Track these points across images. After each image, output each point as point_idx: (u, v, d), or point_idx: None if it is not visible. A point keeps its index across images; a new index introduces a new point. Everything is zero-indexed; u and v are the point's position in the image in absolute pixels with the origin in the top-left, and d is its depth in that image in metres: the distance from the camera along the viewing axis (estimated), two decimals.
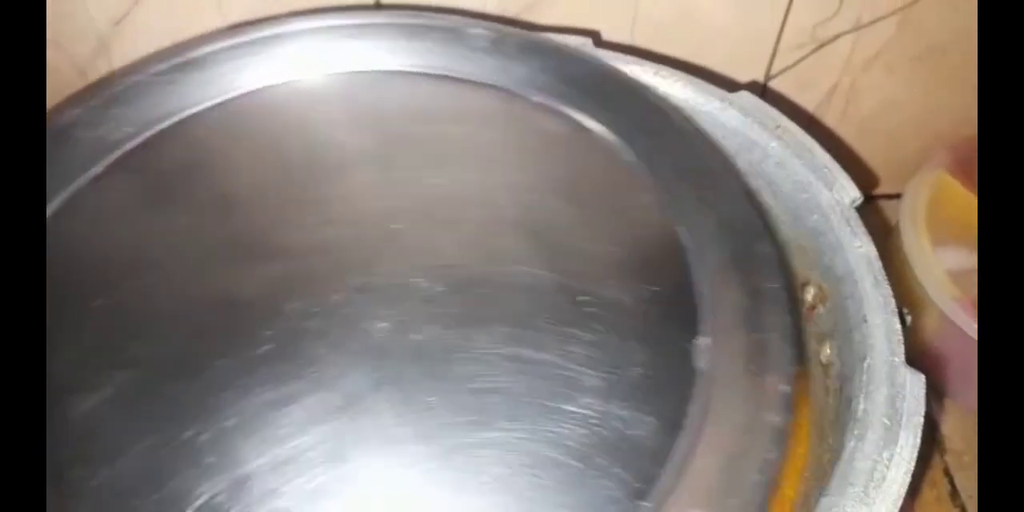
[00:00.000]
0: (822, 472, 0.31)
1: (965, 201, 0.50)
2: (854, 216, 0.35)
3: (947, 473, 0.52)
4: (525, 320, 0.30)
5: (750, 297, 0.31)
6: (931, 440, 0.53)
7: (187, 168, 0.37)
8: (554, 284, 0.31)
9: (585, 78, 0.39)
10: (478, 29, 0.41)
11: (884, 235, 0.55)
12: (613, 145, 0.36)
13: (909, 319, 0.48)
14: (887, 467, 0.28)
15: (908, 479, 0.28)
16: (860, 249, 0.34)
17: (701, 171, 0.36)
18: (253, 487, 0.26)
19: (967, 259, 0.48)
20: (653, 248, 0.34)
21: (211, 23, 0.47)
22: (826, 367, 0.35)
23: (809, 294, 0.37)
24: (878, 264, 0.34)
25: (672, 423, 0.28)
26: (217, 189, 0.36)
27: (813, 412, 0.35)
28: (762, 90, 0.54)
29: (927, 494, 0.53)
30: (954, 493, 0.51)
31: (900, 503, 0.28)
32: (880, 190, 0.63)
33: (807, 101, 0.56)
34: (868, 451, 0.29)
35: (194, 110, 0.39)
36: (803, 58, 0.52)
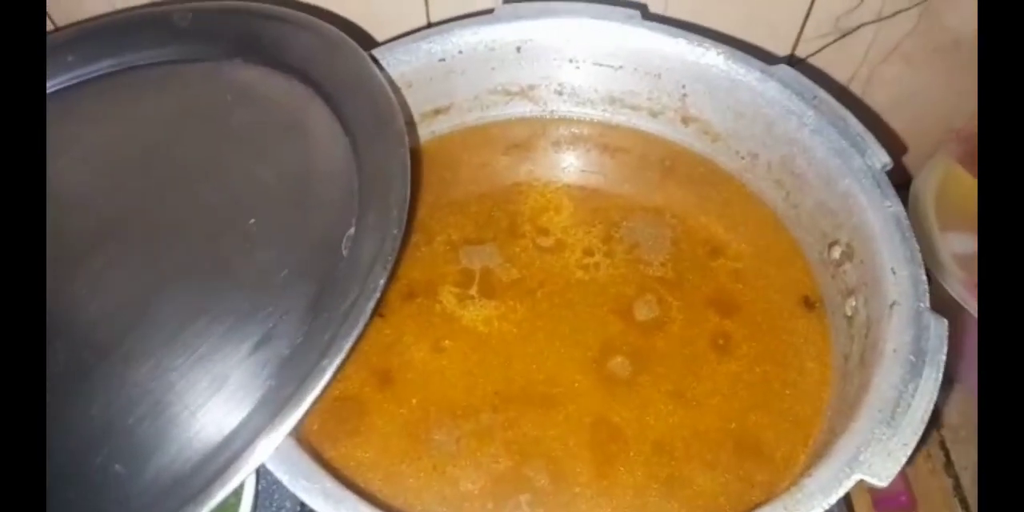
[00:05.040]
0: (847, 408, 0.33)
1: (973, 190, 0.51)
2: (884, 179, 0.38)
3: (943, 447, 0.54)
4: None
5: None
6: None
7: None
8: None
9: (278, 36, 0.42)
10: (180, 11, 0.44)
11: None
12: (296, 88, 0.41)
13: None
14: (912, 396, 0.31)
15: (931, 408, 0.31)
16: (890, 209, 0.36)
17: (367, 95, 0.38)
18: None
19: (972, 244, 0.50)
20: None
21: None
22: (850, 319, 0.38)
23: (836, 252, 0.39)
24: (906, 222, 0.36)
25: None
26: None
27: (836, 358, 0.38)
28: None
29: (922, 466, 0.56)
30: (948, 464, 0.53)
31: (922, 430, 0.30)
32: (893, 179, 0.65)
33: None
34: (895, 383, 0.31)
35: None
36: (824, 47, 0.54)
